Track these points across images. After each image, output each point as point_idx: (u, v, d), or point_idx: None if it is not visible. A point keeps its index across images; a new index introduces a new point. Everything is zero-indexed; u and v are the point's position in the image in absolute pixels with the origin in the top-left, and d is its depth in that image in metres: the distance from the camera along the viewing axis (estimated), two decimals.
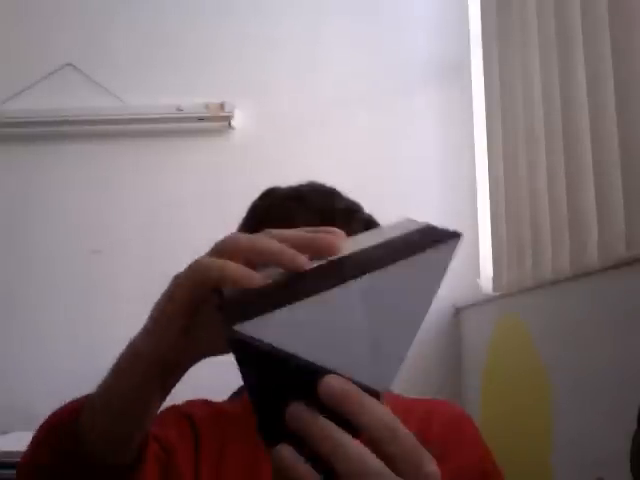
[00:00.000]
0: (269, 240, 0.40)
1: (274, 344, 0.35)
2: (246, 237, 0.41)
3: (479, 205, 2.11)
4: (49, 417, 0.53)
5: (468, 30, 2.20)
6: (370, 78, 2.25)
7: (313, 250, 0.41)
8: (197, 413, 0.76)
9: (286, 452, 0.35)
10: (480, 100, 2.09)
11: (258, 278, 0.39)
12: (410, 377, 2.08)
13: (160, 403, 0.49)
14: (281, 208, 0.77)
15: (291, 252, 0.39)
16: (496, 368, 1.71)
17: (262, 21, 2.28)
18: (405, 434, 0.35)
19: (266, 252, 0.40)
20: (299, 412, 0.35)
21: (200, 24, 2.29)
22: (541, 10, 1.53)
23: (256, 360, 0.35)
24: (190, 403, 0.79)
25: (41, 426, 0.53)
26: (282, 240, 0.40)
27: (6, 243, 2.21)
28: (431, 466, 0.36)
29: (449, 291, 2.02)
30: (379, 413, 0.35)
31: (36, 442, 0.53)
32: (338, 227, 0.68)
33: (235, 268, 0.39)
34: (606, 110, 1.17)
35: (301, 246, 0.40)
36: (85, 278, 2.15)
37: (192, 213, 2.15)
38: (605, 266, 1.12)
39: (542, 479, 1.33)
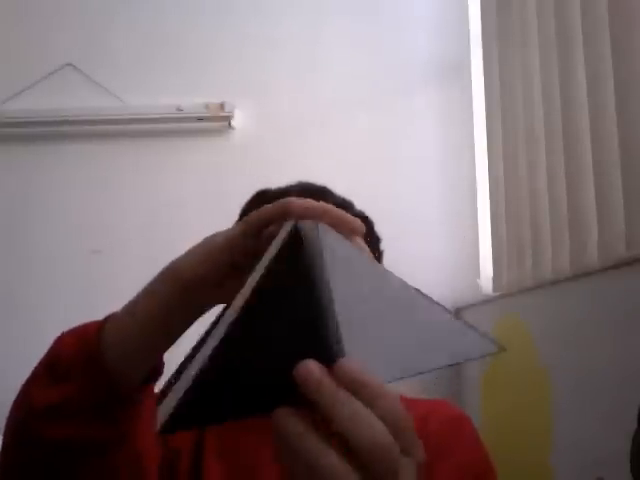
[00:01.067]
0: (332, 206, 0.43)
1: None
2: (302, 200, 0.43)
3: (479, 205, 2.11)
4: (73, 330, 0.54)
5: (468, 30, 2.19)
6: (370, 78, 2.25)
7: (346, 228, 0.43)
8: None
9: (293, 419, 0.35)
10: (480, 100, 2.09)
11: None
12: (410, 377, 2.08)
13: (183, 330, 0.51)
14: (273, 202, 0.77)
15: (351, 218, 0.43)
16: (496, 368, 1.71)
17: (262, 21, 2.27)
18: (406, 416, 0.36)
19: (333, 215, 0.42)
20: (312, 372, 0.35)
21: (200, 24, 2.28)
22: (541, 10, 1.53)
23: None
24: None
25: (63, 336, 0.54)
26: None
27: (6, 243, 2.20)
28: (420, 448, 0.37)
29: (449, 291, 2.02)
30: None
31: (56, 349, 0.53)
32: None
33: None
34: (606, 110, 1.17)
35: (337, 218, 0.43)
36: (85, 278, 2.15)
37: (192, 213, 2.15)
38: (605, 266, 1.12)
39: (542, 479, 1.33)
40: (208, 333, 0.39)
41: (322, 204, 0.42)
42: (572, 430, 1.22)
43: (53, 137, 2.25)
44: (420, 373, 0.39)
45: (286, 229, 0.38)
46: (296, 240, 0.38)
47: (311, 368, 0.35)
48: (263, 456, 0.74)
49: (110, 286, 2.11)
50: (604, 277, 1.12)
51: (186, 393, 0.35)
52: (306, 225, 0.38)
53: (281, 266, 0.37)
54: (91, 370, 0.50)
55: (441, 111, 2.22)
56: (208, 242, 0.48)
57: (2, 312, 2.14)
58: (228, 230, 0.47)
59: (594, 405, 1.13)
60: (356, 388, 0.35)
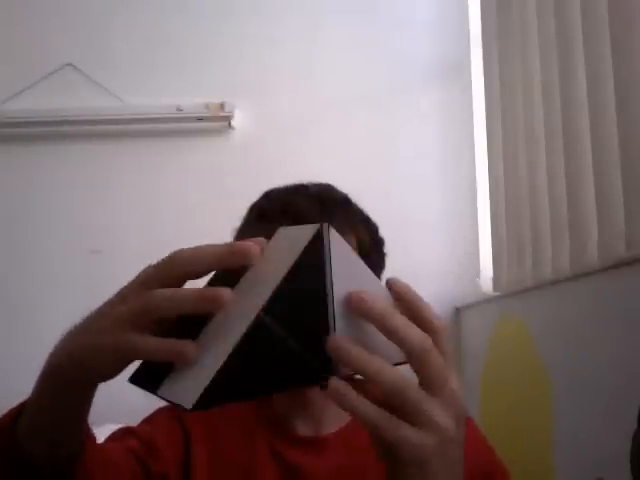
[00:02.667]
0: (182, 293, 0.41)
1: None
2: (161, 295, 0.41)
3: (479, 205, 2.11)
4: None
5: (468, 30, 2.19)
6: (370, 78, 2.25)
7: (231, 261, 0.42)
8: (189, 414, 0.76)
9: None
10: (480, 100, 2.09)
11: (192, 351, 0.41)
12: (411, 377, 2.08)
13: (90, 404, 0.51)
14: (282, 200, 0.77)
15: (209, 293, 0.41)
16: (496, 368, 1.71)
17: (262, 21, 2.27)
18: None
19: (183, 303, 0.41)
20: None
21: (200, 24, 2.28)
22: (541, 10, 1.53)
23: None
24: None
25: None
26: (198, 258, 0.42)
27: (6, 243, 2.20)
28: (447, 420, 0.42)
29: (449, 291, 2.02)
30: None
31: None
32: (338, 215, 0.71)
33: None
34: (606, 110, 1.17)
35: (218, 260, 0.42)
36: (85, 278, 2.15)
37: (192, 213, 2.15)
38: (605, 266, 1.12)
39: (542, 479, 1.33)
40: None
41: (176, 297, 0.42)
42: (572, 430, 1.22)
43: (53, 137, 2.25)
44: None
45: (311, 231, 0.42)
46: (319, 239, 0.42)
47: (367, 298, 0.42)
48: (257, 461, 0.74)
49: (110, 286, 2.10)
50: (604, 277, 1.12)
51: (222, 368, 0.38)
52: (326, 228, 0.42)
53: (306, 261, 0.41)
54: (11, 470, 0.51)
55: (441, 111, 2.22)
56: (92, 343, 0.44)
57: (2, 312, 2.15)
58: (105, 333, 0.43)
59: (594, 405, 1.13)
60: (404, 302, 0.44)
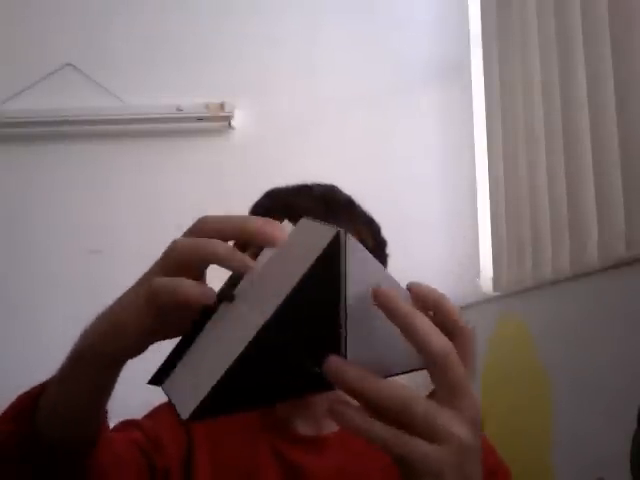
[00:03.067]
0: (214, 244, 0.42)
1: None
2: (189, 243, 0.43)
3: (479, 205, 2.11)
4: (11, 404, 0.54)
5: (468, 30, 2.19)
6: (369, 78, 2.24)
7: (256, 238, 0.42)
8: None
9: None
10: (480, 100, 2.09)
11: (211, 295, 0.41)
12: (410, 377, 2.08)
13: (112, 387, 0.51)
14: (285, 200, 0.77)
15: (239, 256, 0.41)
16: (496, 368, 1.71)
17: (262, 21, 2.27)
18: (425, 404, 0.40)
19: (211, 256, 0.42)
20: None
21: (200, 24, 2.28)
22: (541, 10, 1.53)
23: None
24: None
25: (4, 412, 0.54)
26: (221, 227, 0.43)
27: (6, 243, 2.20)
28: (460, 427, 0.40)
29: (449, 291, 2.01)
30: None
31: None
32: (342, 216, 0.70)
33: (188, 287, 0.41)
34: (606, 110, 1.17)
35: (242, 231, 0.43)
36: (85, 278, 2.15)
37: (192, 213, 2.13)
38: (605, 266, 1.12)
39: (542, 479, 1.33)
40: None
41: (208, 248, 0.42)
42: (572, 430, 1.22)
43: (53, 137, 2.25)
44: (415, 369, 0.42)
45: (328, 235, 0.39)
46: (335, 246, 0.39)
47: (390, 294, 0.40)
48: (258, 461, 0.74)
49: (110, 286, 2.10)
50: (604, 277, 1.12)
51: (219, 382, 0.37)
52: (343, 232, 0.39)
53: (319, 272, 0.38)
54: (29, 454, 0.51)
55: (441, 111, 2.22)
56: (117, 319, 0.46)
57: (2, 312, 2.14)
58: (137, 297, 0.45)
59: (594, 405, 1.13)
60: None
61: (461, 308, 2.02)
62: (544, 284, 1.42)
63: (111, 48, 2.28)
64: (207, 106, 2.19)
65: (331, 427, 0.77)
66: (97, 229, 2.19)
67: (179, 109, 2.18)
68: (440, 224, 2.15)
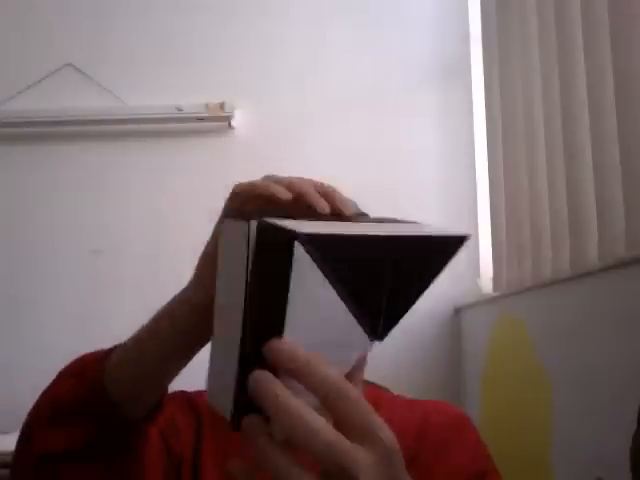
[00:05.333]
0: (267, 182, 0.48)
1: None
2: (247, 184, 0.49)
3: (479, 205, 2.11)
4: (73, 362, 0.54)
5: (468, 30, 2.19)
6: (370, 78, 2.25)
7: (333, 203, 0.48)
8: (204, 403, 0.76)
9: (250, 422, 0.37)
10: (480, 100, 2.09)
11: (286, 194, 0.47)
12: (410, 377, 2.08)
13: (184, 364, 0.53)
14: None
15: (317, 195, 0.47)
16: (496, 368, 1.71)
17: (262, 21, 2.28)
18: (356, 396, 0.35)
19: (265, 190, 0.47)
20: (256, 376, 0.36)
21: (200, 24, 2.29)
22: (541, 10, 1.53)
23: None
24: (199, 393, 0.79)
25: (66, 368, 0.55)
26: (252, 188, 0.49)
27: (6, 243, 2.20)
28: (385, 431, 0.35)
29: (449, 291, 2.02)
30: (326, 373, 0.35)
31: (58, 383, 0.55)
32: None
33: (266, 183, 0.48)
34: (606, 110, 1.17)
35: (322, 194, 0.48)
36: (85, 278, 2.15)
37: (192, 213, 2.14)
38: (605, 266, 1.12)
39: (542, 479, 1.33)
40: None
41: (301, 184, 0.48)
42: (572, 430, 1.22)
43: (53, 137, 2.25)
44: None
45: (245, 231, 0.38)
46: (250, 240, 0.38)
47: (257, 377, 0.36)
48: None
49: (110, 286, 2.11)
50: (604, 277, 1.12)
51: (235, 392, 0.38)
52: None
53: (258, 270, 0.38)
54: (95, 413, 0.51)
55: (441, 111, 2.22)
56: (204, 257, 0.52)
57: (3, 311, 2.15)
58: (214, 233, 0.51)
59: (594, 405, 1.13)
60: (289, 368, 0.36)
61: (461, 308, 2.02)
62: (544, 284, 1.42)
63: (111, 48, 2.28)
64: (207, 106, 2.19)
65: None
66: (97, 229, 2.19)
67: (179, 109, 2.18)
68: (440, 224, 2.14)
